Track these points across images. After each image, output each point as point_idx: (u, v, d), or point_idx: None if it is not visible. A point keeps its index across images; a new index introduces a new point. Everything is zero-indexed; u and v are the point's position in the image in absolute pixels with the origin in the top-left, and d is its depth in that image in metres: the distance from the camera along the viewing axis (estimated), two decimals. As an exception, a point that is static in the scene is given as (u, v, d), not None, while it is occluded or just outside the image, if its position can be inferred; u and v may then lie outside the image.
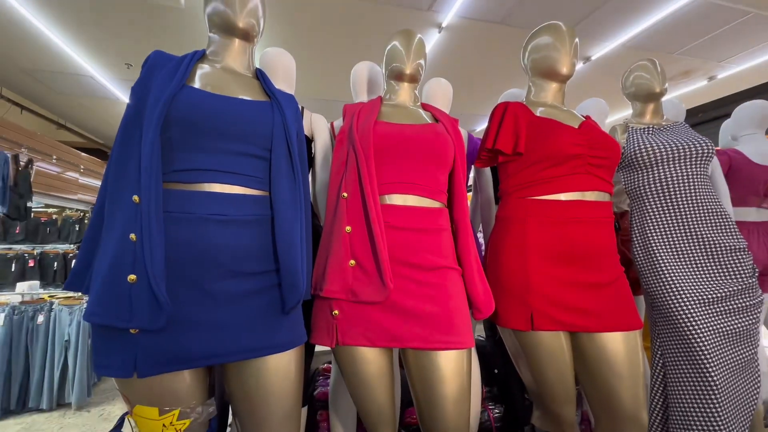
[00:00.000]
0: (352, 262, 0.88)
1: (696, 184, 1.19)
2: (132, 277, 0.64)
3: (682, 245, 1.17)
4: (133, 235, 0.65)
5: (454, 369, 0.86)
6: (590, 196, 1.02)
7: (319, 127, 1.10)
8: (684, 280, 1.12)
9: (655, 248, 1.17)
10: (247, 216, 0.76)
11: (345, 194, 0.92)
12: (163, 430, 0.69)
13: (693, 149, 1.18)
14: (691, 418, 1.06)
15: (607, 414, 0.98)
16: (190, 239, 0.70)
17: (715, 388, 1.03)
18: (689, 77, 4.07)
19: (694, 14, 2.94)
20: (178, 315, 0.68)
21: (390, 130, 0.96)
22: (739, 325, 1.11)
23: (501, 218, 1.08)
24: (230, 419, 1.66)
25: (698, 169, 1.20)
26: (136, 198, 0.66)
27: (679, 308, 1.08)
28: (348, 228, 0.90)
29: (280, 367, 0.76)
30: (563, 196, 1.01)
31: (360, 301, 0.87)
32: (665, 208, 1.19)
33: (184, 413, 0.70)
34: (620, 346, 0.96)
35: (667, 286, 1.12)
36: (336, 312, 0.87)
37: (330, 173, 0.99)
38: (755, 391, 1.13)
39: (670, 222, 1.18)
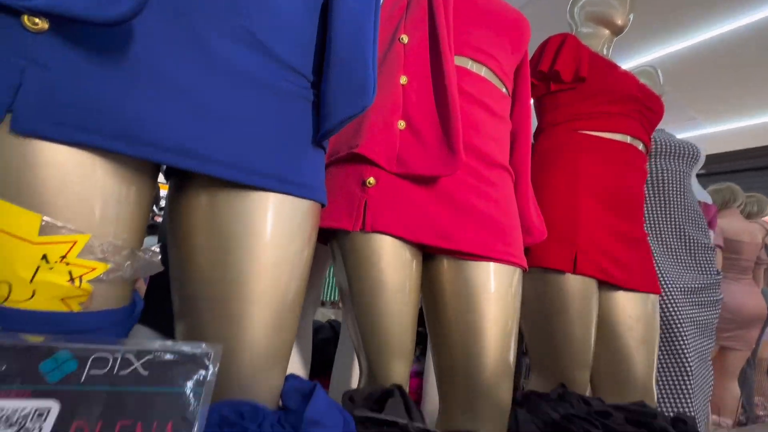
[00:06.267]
0: (402, 123, 0.63)
1: (684, 181, 1.27)
2: None
3: (667, 237, 1.23)
4: None
5: (507, 289, 0.65)
6: (638, 144, 0.95)
7: None
8: (668, 269, 1.17)
9: None
10: None
11: (404, 37, 0.67)
12: (40, 266, 0.32)
13: (686, 149, 1.26)
14: (666, 402, 1.05)
15: (613, 384, 0.87)
16: None
17: (690, 374, 1.05)
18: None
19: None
20: (145, 59, 0.34)
21: None
22: (707, 317, 1.17)
23: (545, 150, 0.94)
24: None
25: (687, 168, 1.28)
26: None
27: (665, 294, 1.10)
28: (404, 79, 0.64)
29: (295, 224, 0.45)
30: (617, 136, 0.91)
31: (407, 175, 0.61)
32: (657, 200, 1.25)
33: (93, 248, 0.34)
34: (641, 308, 0.88)
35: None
36: (371, 181, 0.59)
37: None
38: (711, 382, 1.17)
39: (659, 213, 1.25)
